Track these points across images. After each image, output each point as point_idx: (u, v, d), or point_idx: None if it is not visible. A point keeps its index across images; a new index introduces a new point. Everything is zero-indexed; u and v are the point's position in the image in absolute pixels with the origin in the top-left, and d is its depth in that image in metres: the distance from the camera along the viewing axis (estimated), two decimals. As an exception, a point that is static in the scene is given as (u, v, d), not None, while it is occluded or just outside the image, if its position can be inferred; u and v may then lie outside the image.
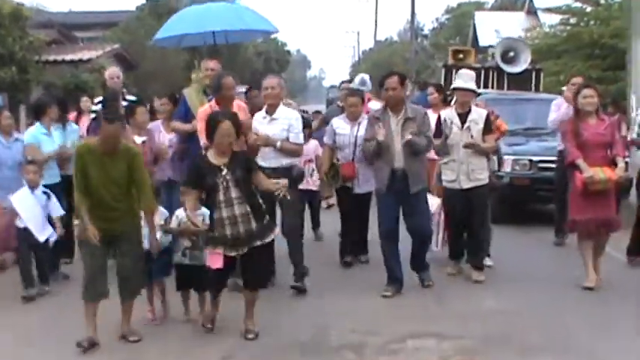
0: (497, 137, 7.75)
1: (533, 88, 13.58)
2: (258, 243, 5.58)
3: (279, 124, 6.78)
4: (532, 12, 27.18)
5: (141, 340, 5.66)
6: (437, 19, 48.43)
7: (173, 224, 6.06)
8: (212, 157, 5.59)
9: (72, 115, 8.63)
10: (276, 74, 7.95)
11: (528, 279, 7.35)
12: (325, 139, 7.95)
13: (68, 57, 19.85)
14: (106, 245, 5.50)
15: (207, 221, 5.78)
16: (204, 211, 5.86)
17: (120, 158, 5.47)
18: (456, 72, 11.78)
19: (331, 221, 8.68)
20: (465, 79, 7.33)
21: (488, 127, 7.22)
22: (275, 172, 6.47)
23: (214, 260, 5.55)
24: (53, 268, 7.38)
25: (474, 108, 7.30)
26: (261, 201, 5.68)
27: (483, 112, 7.30)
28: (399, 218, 6.86)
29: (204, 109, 6.76)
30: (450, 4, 48.14)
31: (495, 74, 13.69)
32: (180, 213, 6.05)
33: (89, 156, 5.45)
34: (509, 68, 13.59)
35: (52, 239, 6.97)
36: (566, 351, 5.40)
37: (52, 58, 19.16)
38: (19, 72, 16.48)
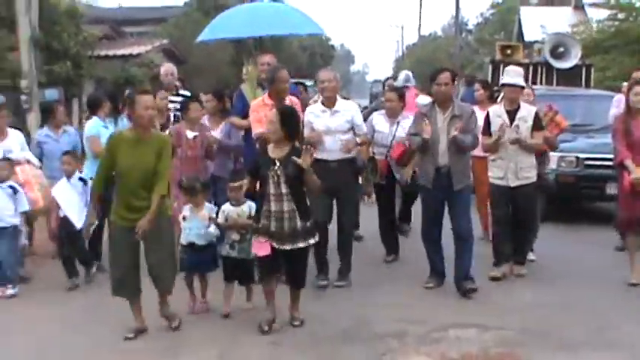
0: (557, 133, 7.74)
1: (583, 83, 13.36)
2: (301, 245, 5.63)
3: (341, 116, 6.81)
4: (579, 7, 26.85)
5: (180, 327, 5.81)
6: (481, 14, 47.83)
7: (220, 219, 6.15)
8: (272, 150, 5.66)
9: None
10: (329, 68, 7.83)
11: (572, 275, 7.40)
12: None
13: (119, 52, 20.26)
14: (134, 242, 5.48)
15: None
16: (251, 204, 6.00)
17: (151, 144, 5.46)
18: (504, 68, 11.77)
19: (373, 217, 8.58)
20: (512, 75, 7.23)
21: (538, 124, 7.11)
22: (340, 165, 6.73)
23: (260, 247, 5.62)
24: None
25: (523, 105, 7.19)
26: (308, 202, 5.73)
27: (532, 109, 7.19)
28: (442, 214, 6.85)
29: (257, 101, 6.92)
30: (496, -1, 47.60)
31: (544, 70, 13.52)
32: (226, 208, 6.15)
33: (121, 142, 5.47)
34: (558, 64, 13.42)
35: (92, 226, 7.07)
36: (607, 346, 5.43)
37: (103, 53, 19.55)
38: (74, 67, 16.89)
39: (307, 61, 42.52)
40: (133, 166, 5.40)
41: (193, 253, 6.15)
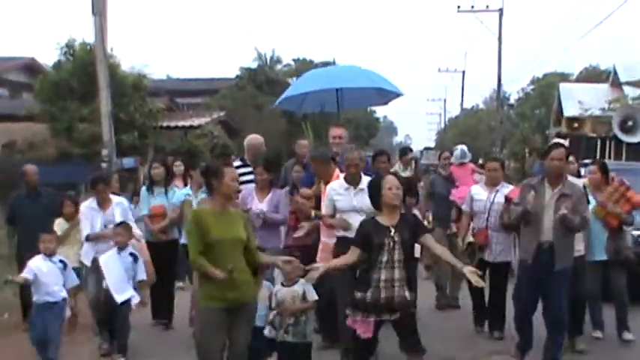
0: (628, 210, 7.57)
1: None
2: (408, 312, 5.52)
3: (366, 194, 5.97)
4: (616, 84, 27.59)
5: None
6: (522, 89, 49.03)
7: (272, 303, 6.01)
8: (381, 219, 5.51)
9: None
10: (354, 147, 7.45)
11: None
12: (463, 207, 8.01)
13: (180, 123, 21.39)
14: (226, 321, 5.34)
15: (314, 296, 5.96)
16: (304, 282, 5.92)
17: (236, 217, 5.52)
18: (571, 141, 11.55)
19: (427, 292, 8.76)
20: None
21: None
22: None
23: (364, 329, 5.41)
24: None
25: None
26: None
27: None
28: (539, 291, 6.62)
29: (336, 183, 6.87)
30: (536, 75, 48.59)
31: (613, 144, 13.14)
32: (279, 290, 6.01)
33: (207, 215, 5.39)
34: (627, 138, 13.00)
35: (134, 302, 7.11)
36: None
37: (165, 124, 20.54)
38: (140, 137, 17.99)
39: (352, 133, 43.44)
40: (225, 239, 5.35)
41: (255, 337, 5.67)
